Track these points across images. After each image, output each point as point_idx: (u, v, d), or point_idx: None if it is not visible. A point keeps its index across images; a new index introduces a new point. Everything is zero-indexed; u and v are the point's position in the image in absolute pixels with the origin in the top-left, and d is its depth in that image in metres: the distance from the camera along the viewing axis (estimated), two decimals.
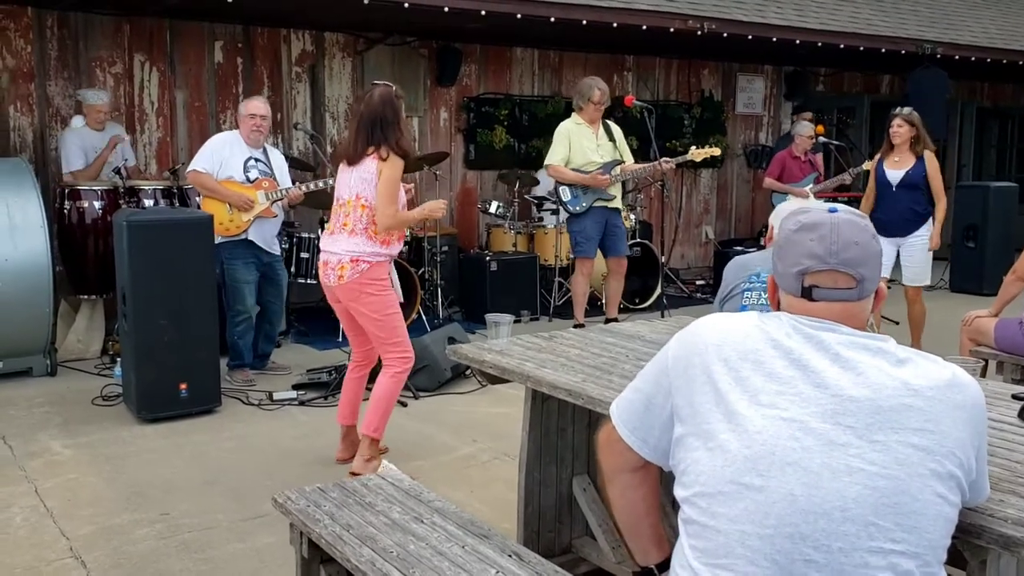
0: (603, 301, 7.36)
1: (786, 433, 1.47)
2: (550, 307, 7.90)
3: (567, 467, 3.17)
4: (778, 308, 1.68)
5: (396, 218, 4.00)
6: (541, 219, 8.26)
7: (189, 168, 5.61)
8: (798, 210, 1.69)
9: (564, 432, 3.13)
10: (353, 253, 3.95)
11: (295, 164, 6.80)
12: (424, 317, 7.12)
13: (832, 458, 1.45)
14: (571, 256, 8.10)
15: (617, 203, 6.77)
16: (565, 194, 6.69)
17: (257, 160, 5.63)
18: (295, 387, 5.45)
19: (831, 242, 1.57)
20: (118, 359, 5.49)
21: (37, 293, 5.56)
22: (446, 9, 6.67)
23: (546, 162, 6.75)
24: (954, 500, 1.49)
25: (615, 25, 7.54)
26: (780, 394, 1.50)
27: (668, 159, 6.78)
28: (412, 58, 8.47)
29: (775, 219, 3.13)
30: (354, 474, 3.88)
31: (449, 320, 7.22)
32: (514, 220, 8.16)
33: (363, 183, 3.97)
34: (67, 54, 6.99)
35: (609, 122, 6.83)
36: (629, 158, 6.79)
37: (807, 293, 1.59)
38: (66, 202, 6.19)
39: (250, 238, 5.57)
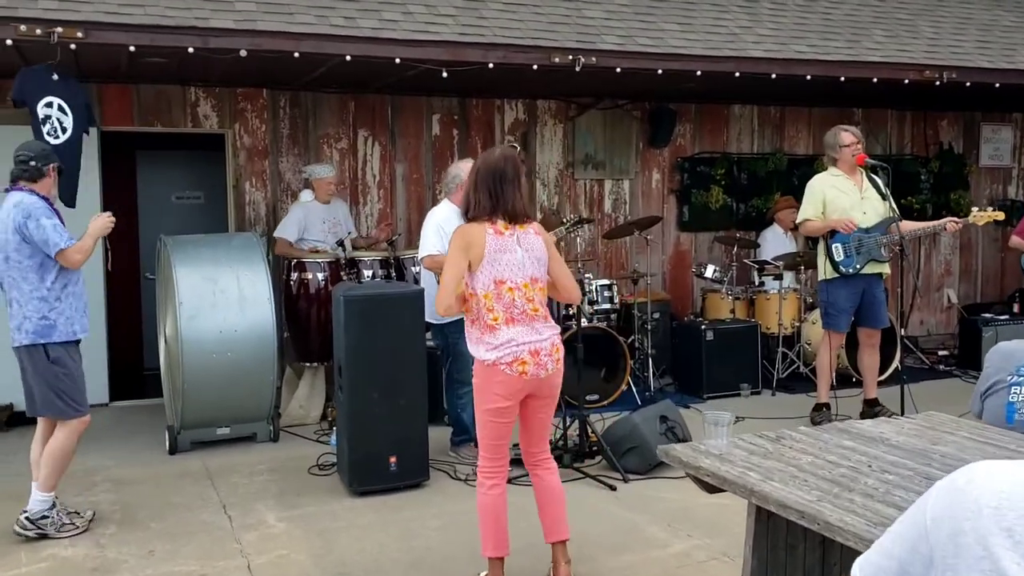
0: (858, 378, 6.57)
1: None
2: (773, 380, 7.38)
3: None
4: None
5: None
6: (762, 284, 7.79)
7: (432, 253, 5.28)
8: None
9: (794, 549, 2.76)
10: (557, 335, 3.67)
11: None
12: (634, 389, 6.84)
13: None
14: (796, 324, 7.60)
15: (886, 268, 6.00)
16: (837, 253, 5.87)
17: None
18: None
19: None
20: (335, 427, 5.60)
21: (263, 362, 5.80)
22: (660, 72, 6.47)
23: (796, 220, 6.25)
24: None
25: (842, 79, 7.05)
26: None
27: (956, 219, 5.90)
28: (624, 120, 8.33)
29: None
30: None
31: (661, 392, 6.90)
32: (732, 285, 7.75)
33: (537, 264, 3.62)
34: (298, 131, 7.40)
35: (875, 175, 5.96)
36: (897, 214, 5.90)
37: None
38: (292, 273, 6.49)
39: None
